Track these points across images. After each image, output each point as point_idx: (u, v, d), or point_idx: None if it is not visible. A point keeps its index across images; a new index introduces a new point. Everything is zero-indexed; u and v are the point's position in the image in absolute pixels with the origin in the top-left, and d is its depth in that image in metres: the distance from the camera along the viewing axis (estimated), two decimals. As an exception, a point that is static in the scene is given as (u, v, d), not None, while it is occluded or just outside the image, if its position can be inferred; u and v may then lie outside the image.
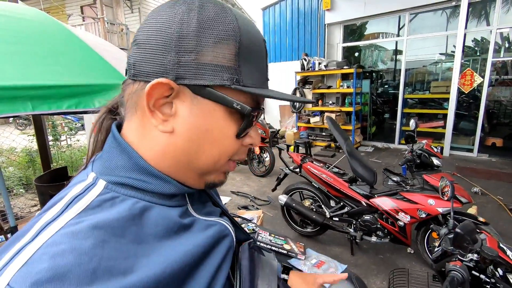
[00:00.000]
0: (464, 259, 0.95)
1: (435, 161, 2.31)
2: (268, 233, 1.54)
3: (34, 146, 3.36)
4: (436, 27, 5.93)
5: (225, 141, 0.42)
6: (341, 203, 2.68)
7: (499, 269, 0.98)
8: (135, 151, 0.40)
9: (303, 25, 7.49)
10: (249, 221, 1.88)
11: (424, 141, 2.42)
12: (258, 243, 1.40)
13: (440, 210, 2.18)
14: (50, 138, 4.77)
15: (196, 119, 0.39)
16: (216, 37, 0.38)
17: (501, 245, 1.03)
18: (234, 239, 0.50)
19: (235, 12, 0.40)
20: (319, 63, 6.65)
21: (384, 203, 2.43)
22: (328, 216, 2.71)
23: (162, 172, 0.41)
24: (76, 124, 6.70)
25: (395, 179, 2.56)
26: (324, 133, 6.97)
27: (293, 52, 7.83)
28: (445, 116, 5.90)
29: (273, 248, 1.37)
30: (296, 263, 1.39)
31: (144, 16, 9.70)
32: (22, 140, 4.82)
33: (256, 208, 3.73)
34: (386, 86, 7.25)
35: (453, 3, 5.45)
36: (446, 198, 1.96)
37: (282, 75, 7.70)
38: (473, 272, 0.94)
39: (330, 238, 2.96)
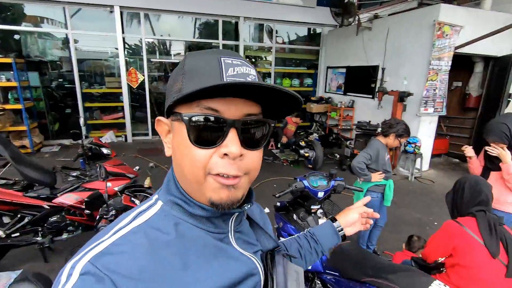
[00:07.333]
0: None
1: (105, 151, 2.76)
2: None
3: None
4: (102, 26, 6.40)
5: (188, 151, 0.46)
6: (18, 216, 2.44)
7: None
8: (176, 180, 0.52)
9: None
10: None
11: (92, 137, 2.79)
12: None
13: (116, 188, 2.70)
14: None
15: (174, 139, 0.50)
16: (177, 75, 0.49)
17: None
18: (262, 278, 0.57)
19: (194, 53, 0.50)
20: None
21: (68, 198, 2.54)
22: (4, 236, 2.36)
23: (188, 194, 0.50)
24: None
25: (74, 174, 2.73)
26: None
27: None
28: (123, 108, 6.77)
29: None
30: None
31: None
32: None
33: None
34: (61, 79, 6.80)
35: (108, 9, 6.15)
36: (101, 179, 2.44)
37: None
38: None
39: (15, 258, 2.60)
